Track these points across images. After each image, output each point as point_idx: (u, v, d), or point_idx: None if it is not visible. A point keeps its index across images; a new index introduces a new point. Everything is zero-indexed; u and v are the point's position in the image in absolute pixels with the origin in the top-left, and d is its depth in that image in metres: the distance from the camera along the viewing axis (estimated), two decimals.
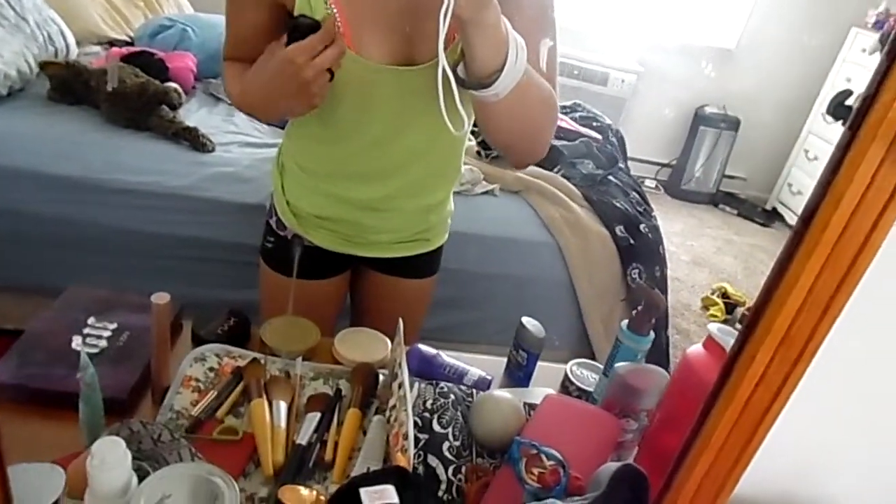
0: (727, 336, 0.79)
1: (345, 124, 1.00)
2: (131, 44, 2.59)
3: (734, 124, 4.18)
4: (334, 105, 0.95)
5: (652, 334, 1.00)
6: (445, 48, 0.74)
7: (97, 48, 2.57)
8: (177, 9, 2.90)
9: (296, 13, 0.88)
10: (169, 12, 2.82)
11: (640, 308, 0.98)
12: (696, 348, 0.83)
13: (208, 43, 2.49)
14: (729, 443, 0.48)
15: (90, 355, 0.81)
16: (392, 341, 1.05)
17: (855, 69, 3.68)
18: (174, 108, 2.04)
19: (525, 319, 1.11)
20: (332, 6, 0.87)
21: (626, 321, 1.00)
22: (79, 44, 2.45)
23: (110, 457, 0.60)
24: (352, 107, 0.97)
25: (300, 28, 0.82)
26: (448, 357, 1.09)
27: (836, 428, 0.58)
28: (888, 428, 0.58)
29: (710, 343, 0.82)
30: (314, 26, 0.82)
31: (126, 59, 2.20)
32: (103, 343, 0.96)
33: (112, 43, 2.61)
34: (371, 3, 0.89)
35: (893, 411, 0.57)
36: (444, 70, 0.75)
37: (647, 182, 4.40)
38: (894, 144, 0.36)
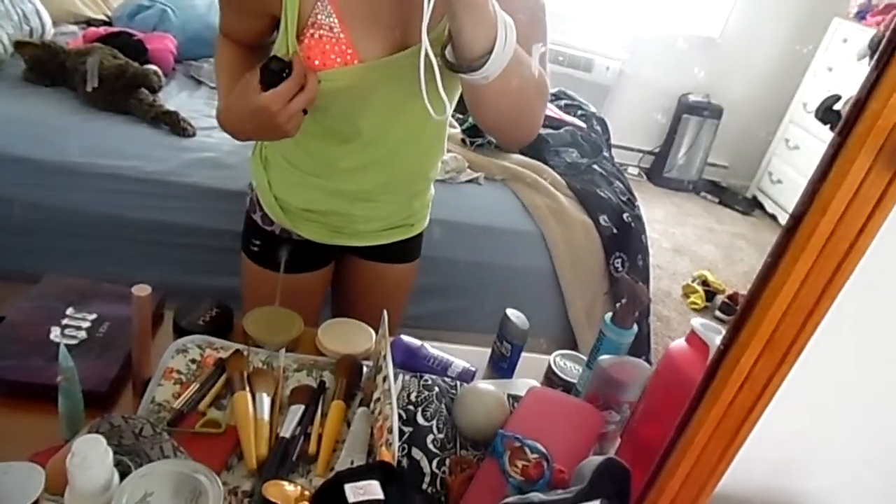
0: (710, 332, 0.80)
1: (339, 121, 1.00)
2: (109, 23, 2.53)
3: (717, 112, 4.21)
4: (328, 104, 0.94)
5: (635, 327, 1.01)
6: (431, 29, 0.74)
7: (74, 27, 2.51)
8: None
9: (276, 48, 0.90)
10: None
11: (623, 301, 0.99)
12: (679, 343, 0.84)
13: (189, 24, 2.44)
14: (712, 442, 0.49)
15: (69, 347, 0.79)
16: (376, 332, 1.05)
17: (836, 59, 3.71)
18: (154, 91, 2.01)
19: (509, 311, 1.11)
20: (332, 11, 0.87)
21: (609, 314, 1.01)
22: (55, 23, 2.40)
23: (91, 455, 0.59)
24: (346, 105, 0.97)
25: (273, 70, 0.84)
26: (432, 348, 1.09)
27: (819, 426, 0.59)
28: (869, 427, 0.59)
29: (693, 338, 0.82)
30: (286, 67, 0.84)
31: (104, 39, 2.15)
32: (82, 334, 0.94)
33: (89, 22, 2.56)
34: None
35: (873, 411, 0.58)
36: (426, 52, 0.74)
37: (630, 169, 4.42)
38: (882, 153, 0.36)
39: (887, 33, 0.36)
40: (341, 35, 0.87)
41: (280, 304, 1.05)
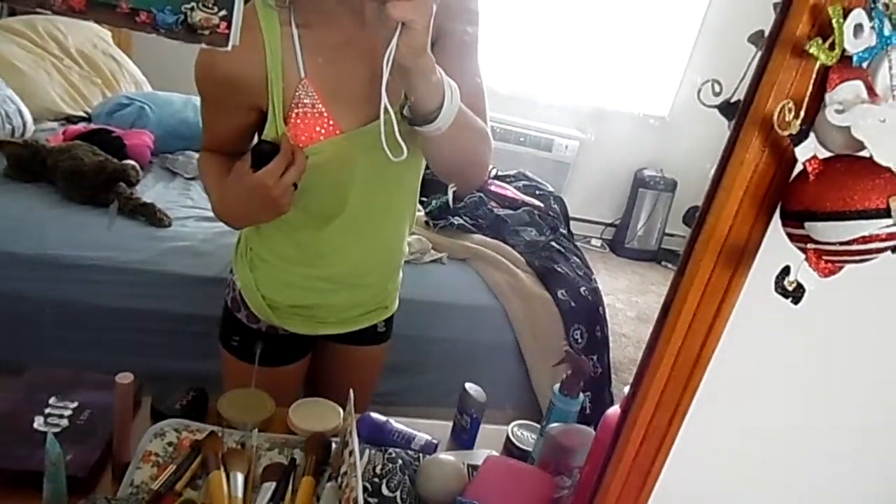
0: None
1: (326, 195, 1.08)
2: (88, 119, 2.65)
3: (671, 185, 4.43)
4: (316, 180, 1.02)
5: (581, 396, 1.10)
6: (396, 102, 0.88)
7: (54, 124, 2.62)
8: (134, 86, 2.99)
9: (265, 134, 1.00)
10: (126, 90, 2.91)
11: (569, 373, 1.08)
12: (614, 408, 0.93)
13: (165, 120, 2.58)
14: (624, 493, 0.57)
15: (53, 434, 0.85)
16: (345, 409, 1.12)
17: None
18: (131, 184, 2.11)
19: (468, 385, 1.20)
20: (312, 91, 0.98)
21: (557, 385, 1.10)
22: (35, 120, 2.51)
23: None
24: (333, 176, 1.05)
25: (263, 152, 0.94)
26: (397, 423, 1.16)
27: (714, 472, 0.69)
28: (754, 470, 0.69)
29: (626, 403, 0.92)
30: (275, 147, 0.94)
31: (84, 136, 2.27)
32: (64, 422, 1.00)
33: (69, 119, 2.68)
34: (340, 73, 1.00)
35: (755, 455, 0.68)
36: (385, 105, 0.86)
37: (594, 241, 4.59)
38: (721, 256, 0.47)
39: (714, 166, 0.48)
40: (323, 111, 0.98)
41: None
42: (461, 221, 2.36)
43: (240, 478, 0.93)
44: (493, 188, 2.64)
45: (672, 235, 4.58)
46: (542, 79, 4.05)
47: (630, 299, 3.92)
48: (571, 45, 3.81)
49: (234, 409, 1.08)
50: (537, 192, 2.78)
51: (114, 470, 0.95)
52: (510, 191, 2.65)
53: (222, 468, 0.94)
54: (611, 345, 2.32)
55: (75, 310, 1.76)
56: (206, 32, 0.39)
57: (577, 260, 2.39)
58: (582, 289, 2.20)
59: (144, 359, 1.73)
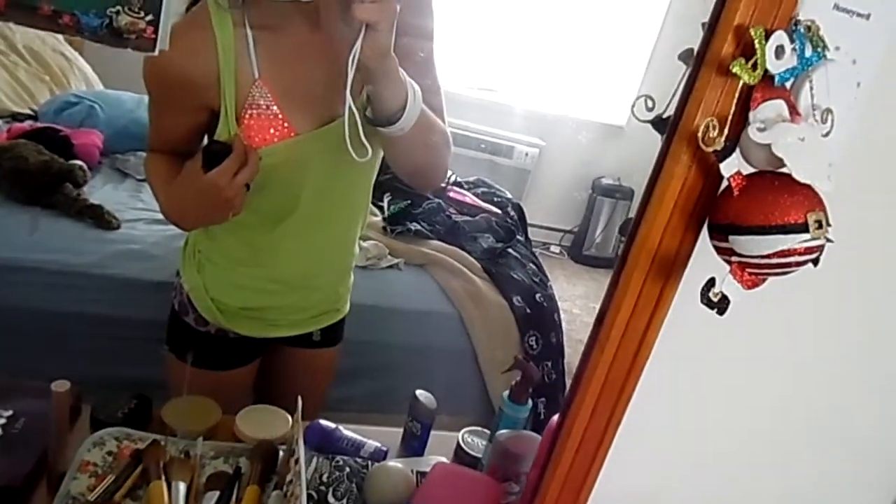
0: None
1: (279, 197, 1.07)
2: (35, 118, 2.57)
3: (628, 194, 4.51)
4: (269, 181, 1.01)
5: (530, 402, 1.11)
6: (356, 98, 0.88)
7: None
8: (85, 84, 2.90)
9: (217, 133, 0.99)
10: (77, 88, 2.83)
11: (518, 380, 1.10)
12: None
13: (116, 119, 2.51)
14: (561, 499, 0.58)
15: None
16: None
17: None
18: (78, 185, 2.05)
19: (418, 392, 1.20)
20: (267, 93, 0.97)
21: (506, 391, 1.11)
22: None
23: None
24: (286, 178, 1.04)
25: (215, 152, 0.93)
26: (347, 430, 1.15)
27: (648, 476, 0.71)
28: (682, 475, 0.72)
29: None
30: (227, 148, 0.93)
31: (29, 135, 2.19)
32: None
33: (14, 117, 2.59)
34: (295, 75, 0.99)
35: (685, 460, 0.71)
36: (350, 106, 0.87)
37: (552, 248, 4.65)
38: (652, 267, 0.48)
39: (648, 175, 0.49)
40: (278, 113, 0.98)
41: (216, 400, 1.09)
42: (419, 227, 2.36)
43: (182, 487, 0.91)
44: (451, 194, 2.65)
45: None
46: (504, 85, 4.09)
47: (588, 305, 3.97)
48: (533, 53, 3.86)
49: (178, 416, 1.05)
50: (495, 199, 2.80)
51: (49, 480, 0.93)
52: (469, 197, 2.66)
53: (164, 477, 0.92)
54: (567, 350, 2.35)
55: (17, 315, 1.70)
56: (133, 37, 0.38)
57: (534, 267, 2.41)
58: (537, 295, 2.22)
59: (90, 365, 1.69)
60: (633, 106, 0.54)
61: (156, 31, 0.38)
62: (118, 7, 0.37)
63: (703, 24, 0.52)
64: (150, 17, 0.37)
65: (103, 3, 0.36)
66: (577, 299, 3.96)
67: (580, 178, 4.61)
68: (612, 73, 4.02)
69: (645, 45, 3.83)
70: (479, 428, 1.25)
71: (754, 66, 0.50)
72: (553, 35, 3.83)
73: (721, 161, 0.51)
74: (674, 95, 0.53)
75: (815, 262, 0.55)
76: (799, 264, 0.53)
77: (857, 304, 0.75)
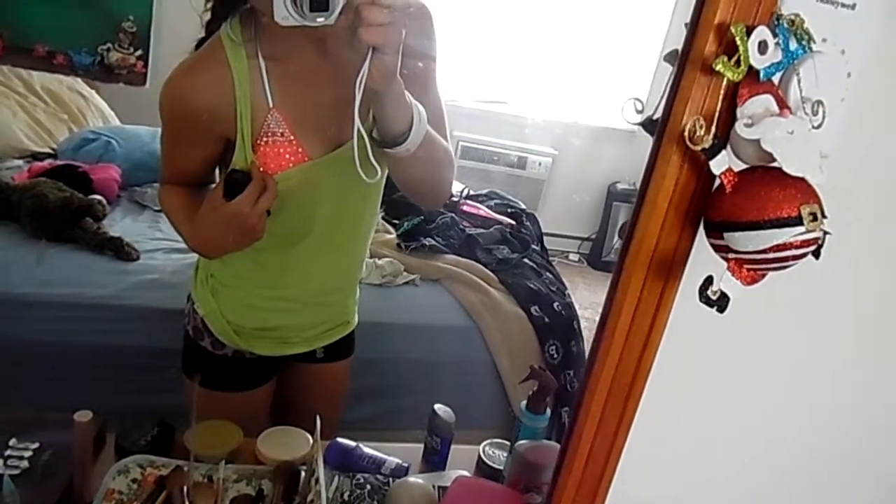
0: None
1: (294, 220, 1.09)
2: (54, 156, 2.64)
3: None
4: (284, 205, 1.03)
5: (548, 412, 1.10)
6: (364, 120, 0.90)
7: (20, 161, 2.60)
8: (102, 121, 2.97)
9: (234, 163, 1.01)
10: (94, 124, 2.90)
11: (535, 390, 1.09)
12: None
13: (133, 153, 2.57)
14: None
15: (12, 476, 0.84)
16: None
17: None
18: (98, 219, 2.10)
19: (437, 406, 1.20)
20: (281, 120, 1.00)
21: (524, 402, 1.10)
22: (0, 159, 2.49)
23: None
24: (301, 201, 1.07)
25: (236, 181, 0.96)
26: (367, 448, 1.16)
27: (662, 480, 0.70)
28: (696, 477, 0.71)
29: None
30: (247, 176, 0.97)
31: (49, 173, 2.25)
32: (24, 464, 0.98)
33: (34, 156, 2.66)
34: (306, 102, 1.02)
35: (698, 462, 0.70)
36: (358, 128, 0.88)
37: (571, 255, 4.63)
38: (651, 268, 0.48)
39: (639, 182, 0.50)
40: (292, 139, 1.01)
41: (235, 422, 1.11)
42: (433, 242, 2.37)
43: None
44: (464, 208, 2.66)
45: None
46: (514, 97, 4.11)
47: None
48: (541, 63, 3.87)
49: (200, 441, 1.07)
50: (509, 210, 2.80)
51: None
52: (482, 210, 2.67)
53: (187, 502, 0.93)
54: None
55: (39, 349, 1.74)
56: (124, 72, 0.40)
57: (551, 276, 2.40)
58: (556, 304, 2.21)
59: (113, 395, 1.71)
60: (622, 109, 0.54)
61: (146, 66, 0.39)
62: (108, 44, 0.38)
63: (686, 24, 0.52)
64: (139, 53, 0.39)
65: (94, 41, 0.38)
66: (597, 306, 3.88)
67: (595, 185, 4.59)
68: (621, 77, 4.01)
69: (652, 48, 3.83)
70: (499, 440, 1.25)
71: (738, 63, 0.50)
72: (559, 43, 3.84)
73: (710, 159, 0.51)
74: (663, 96, 0.54)
75: (816, 254, 0.54)
76: (797, 258, 0.53)
77: (872, 292, 0.74)
